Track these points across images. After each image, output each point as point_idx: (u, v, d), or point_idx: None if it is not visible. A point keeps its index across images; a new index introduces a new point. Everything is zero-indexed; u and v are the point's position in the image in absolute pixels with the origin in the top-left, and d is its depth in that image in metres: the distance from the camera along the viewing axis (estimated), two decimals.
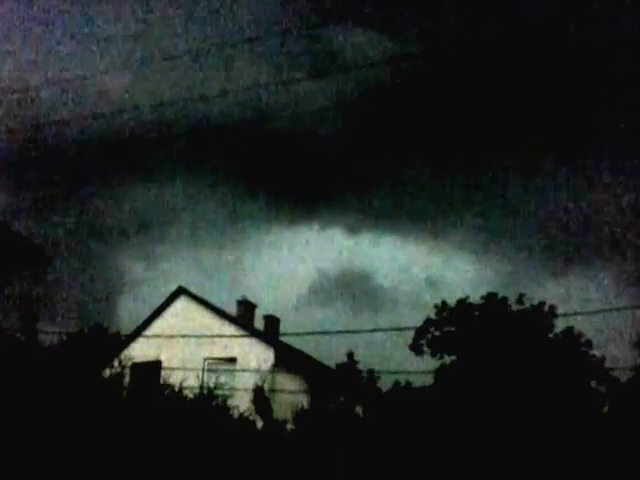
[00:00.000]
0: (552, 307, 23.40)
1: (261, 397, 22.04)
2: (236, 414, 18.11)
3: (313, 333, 21.98)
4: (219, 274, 40.43)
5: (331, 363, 26.46)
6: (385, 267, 44.82)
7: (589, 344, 22.93)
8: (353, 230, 44.37)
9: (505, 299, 23.79)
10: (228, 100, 14.95)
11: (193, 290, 28.88)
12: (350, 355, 26.31)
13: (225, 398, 18.54)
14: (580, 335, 22.95)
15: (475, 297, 24.24)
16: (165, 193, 39.33)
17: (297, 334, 28.72)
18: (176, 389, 17.44)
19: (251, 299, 29.74)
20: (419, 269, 44.23)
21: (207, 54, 14.96)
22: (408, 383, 22.21)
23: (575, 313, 19.40)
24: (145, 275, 39.38)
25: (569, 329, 22.90)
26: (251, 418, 18.94)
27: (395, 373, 22.28)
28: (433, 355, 24.50)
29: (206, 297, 28.71)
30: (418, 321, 24.11)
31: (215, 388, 18.70)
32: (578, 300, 22.47)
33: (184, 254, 41.33)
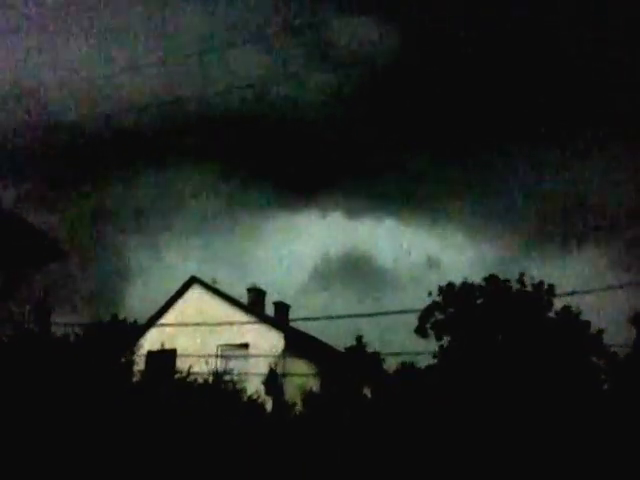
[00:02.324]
0: (551, 286, 23.84)
1: (273, 378, 22.72)
2: (245, 397, 18.77)
3: (321, 318, 22.41)
4: (223, 261, 41.09)
5: (338, 345, 27.07)
6: (386, 250, 45.28)
7: (587, 324, 23.38)
8: (354, 214, 44.86)
9: (507, 281, 24.29)
10: (231, 90, 15.50)
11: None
12: (359, 339, 26.83)
13: (234, 382, 19.27)
14: (578, 313, 23.39)
15: (474, 278, 24.78)
16: (169, 182, 40.04)
17: (306, 319, 29.33)
18: (190, 376, 18.11)
19: (261, 286, 30.47)
20: (419, 251, 44.67)
21: (210, 49, 15.49)
22: (412, 364, 22.79)
23: (573, 292, 19.69)
24: (150, 264, 40.16)
25: (566, 308, 23.34)
26: (260, 400, 19.61)
27: (399, 354, 22.73)
28: (438, 339, 24.97)
29: (216, 285, 29.44)
30: (420, 302, 24.61)
31: (225, 373, 19.41)
32: (576, 279, 22.88)
33: (186, 242, 42.06)
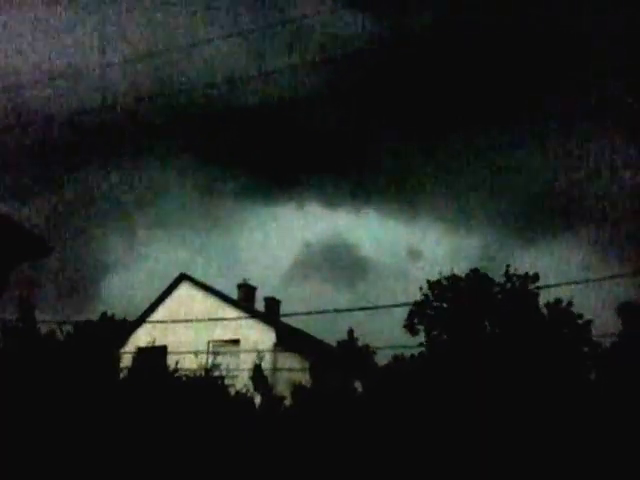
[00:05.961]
0: (535, 275, 23.90)
1: (259, 374, 22.72)
2: (233, 392, 18.77)
3: (312, 313, 22.37)
4: (203, 254, 41.12)
5: (328, 337, 27.09)
6: (365, 240, 45.68)
7: (580, 315, 23.43)
8: (331, 205, 45.02)
9: (485, 274, 24.32)
10: (206, 83, 15.46)
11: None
12: (350, 332, 26.86)
13: (223, 377, 19.27)
14: (569, 304, 23.43)
15: (455, 269, 24.75)
16: (145, 176, 39.99)
17: (296, 314, 29.27)
18: (179, 372, 18.10)
19: (251, 282, 30.58)
20: (400, 242, 44.99)
21: (189, 43, 15.43)
22: (403, 357, 22.82)
23: (560, 284, 19.74)
24: (131, 259, 40.23)
25: (558, 301, 23.35)
26: (249, 394, 19.59)
27: (390, 348, 22.79)
28: (427, 334, 24.99)
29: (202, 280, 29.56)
30: (403, 292, 24.85)
31: (214, 369, 19.40)
32: (558, 268, 22.94)
33: (165, 237, 42.07)
